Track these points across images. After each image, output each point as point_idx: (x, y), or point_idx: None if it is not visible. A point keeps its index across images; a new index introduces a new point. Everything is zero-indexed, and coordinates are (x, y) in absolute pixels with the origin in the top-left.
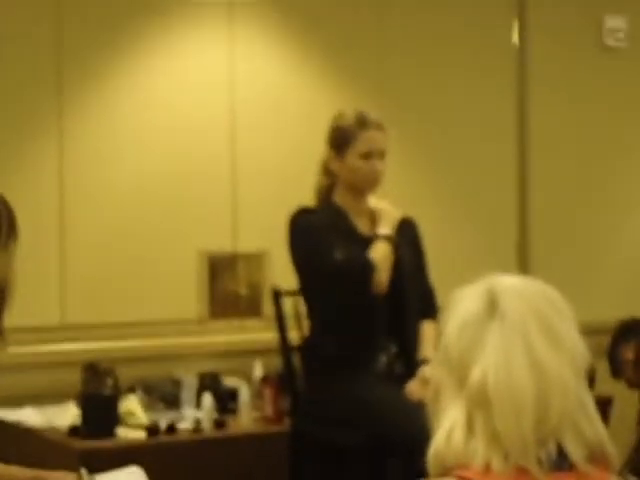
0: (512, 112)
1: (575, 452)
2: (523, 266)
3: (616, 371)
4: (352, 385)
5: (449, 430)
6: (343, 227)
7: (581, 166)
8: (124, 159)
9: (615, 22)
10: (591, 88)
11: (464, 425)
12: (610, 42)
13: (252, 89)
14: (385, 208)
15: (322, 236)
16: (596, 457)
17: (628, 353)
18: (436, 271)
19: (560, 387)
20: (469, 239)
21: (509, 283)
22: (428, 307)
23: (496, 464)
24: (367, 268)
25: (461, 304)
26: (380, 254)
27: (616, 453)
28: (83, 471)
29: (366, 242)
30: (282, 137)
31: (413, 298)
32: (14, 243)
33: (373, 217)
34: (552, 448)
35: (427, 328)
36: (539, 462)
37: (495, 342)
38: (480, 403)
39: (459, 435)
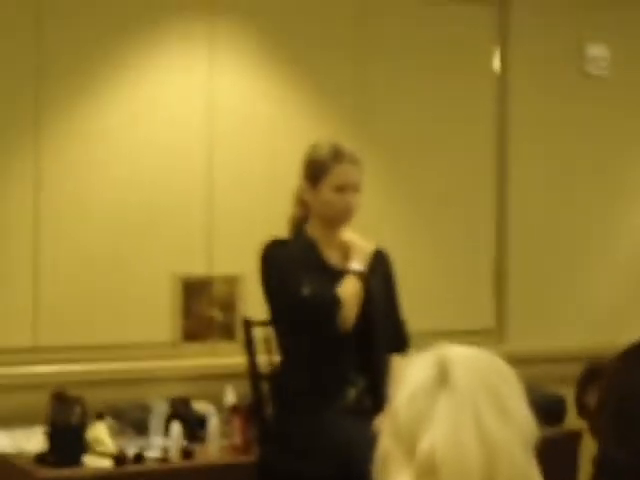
0: (492, 140)
1: None
2: (500, 294)
3: (581, 414)
4: (320, 418)
5: None
6: (313, 259)
7: (562, 193)
8: (99, 182)
9: (597, 50)
10: (573, 116)
11: None
12: (592, 70)
13: (231, 116)
14: (357, 242)
15: (291, 271)
16: None
17: (591, 398)
18: (410, 300)
19: (508, 461)
20: (445, 267)
21: (459, 353)
22: (399, 340)
23: None
24: (334, 304)
25: (411, 373)
26: (348, 290)
27: None
28: None
29: (336, 275)
30: (260, 163)
31: (383, 332)
32: None
33: (345, 249)
34: None
35: (397, 362)
36: None
37: (444, 414)
38: (428, 474)
39: None
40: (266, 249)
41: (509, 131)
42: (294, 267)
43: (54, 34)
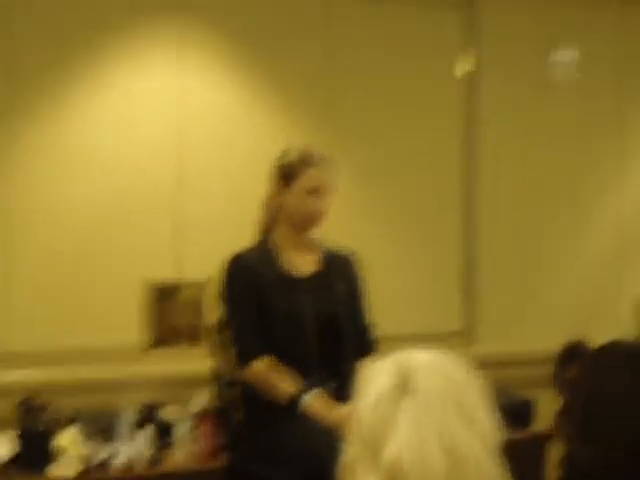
0: (461, 143)
1: None
2: (469, 297)
3: (561, 391)
4: (288, 422)
5: None
6: (273, 268)
7: (529, 196)
8: (71, 187)
9: (565, 54)
10: (540, 120)
11: None
12: (560, 74)
13: (199, 125)
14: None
15: (245, 319)
16: None
17: (571, 373)
18: (378, 304)
19: (472, 465)
20: (413, 270)
21: (421, 359)
22: (366, 343)
23: None
24: (244, 358)
25: (373, 381)
26: (315, 410)
27: None
28: None
29: (294, 283)
30: (229, 169)
31: (349, 335)
32: None
33: (311, 252)
34: None
35: (364, 366)
36: None
37: (408, 420)
38: (395, 479)
39: None
40: (228, 267)
41: (478, 133)
42: (248, 308)
43: (23, 33)
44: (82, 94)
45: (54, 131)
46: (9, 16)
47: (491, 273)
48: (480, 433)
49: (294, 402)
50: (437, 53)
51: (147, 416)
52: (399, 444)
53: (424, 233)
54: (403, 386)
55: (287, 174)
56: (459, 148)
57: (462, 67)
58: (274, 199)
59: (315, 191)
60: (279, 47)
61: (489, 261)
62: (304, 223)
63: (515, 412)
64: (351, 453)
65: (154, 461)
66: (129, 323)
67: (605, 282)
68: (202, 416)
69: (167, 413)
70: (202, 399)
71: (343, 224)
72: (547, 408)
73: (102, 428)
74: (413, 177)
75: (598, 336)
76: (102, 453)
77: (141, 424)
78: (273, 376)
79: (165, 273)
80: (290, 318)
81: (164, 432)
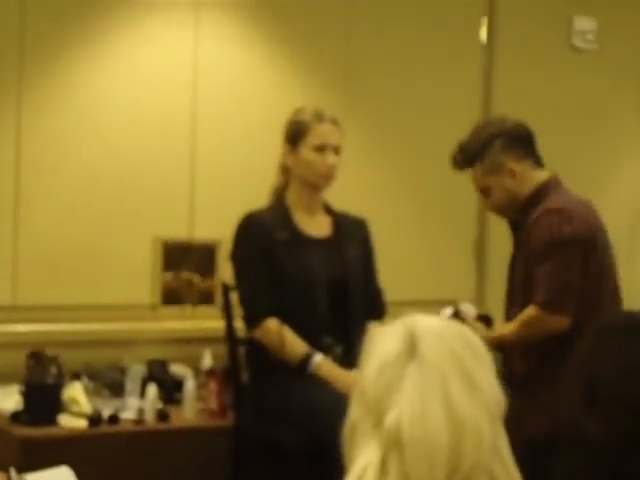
0: (477, 111)
1: None
2: (480, 264)
3: None
4: (296, 384)
5: (362, 469)
6: (286, 229)
7: (546, 166)
8: (81, 146)
9: (584, 24)
10: (558, 88)
11: (377, 466)
12: (579, 43)
13: (215, 83)
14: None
15: (257, 278)
16: None
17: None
18: (390, 270)
19: (475, 435)
20: (425, 237)
21: (428, 324)
22: (376, 308)
23: None
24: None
25: (380, 345)
26: (328, 372)
27: None
28: (12, 472)
29: (307, 243)
30: (244, 132)
31: (359, 299)
32: None
33: (324, 215)
34: None
35: (373, 330)
36: None
37: (412, 386)
38: (395, 446)
39: (371, 476)
40: (240, 226)
41: (494, 102)
42: (260, 271)
43: (37, 4)
44: (94, 52)
45: (66, 90)
46: None
47: (503, 241)
48: (484, 400)
49: (305, 363)
50: (457, 19)
51: (155, 372)
52: (402, 411)
53: (437, 200)
54: (409, 352)
55: (298, 132)
56: (475, 114)
57: (480, 34)
58: (286, 158)
59: (325, 147)
60: (299, 11)
61: (502, 229)
62: (316, 180)
63: None
64: (354, 416)
65: (162, 416)
66: (140, 280)
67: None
68: (210, 374)
69: (176, 370)
70: (210, 358)
71: (355, 189)
72: None
73: (111, 383)
74: (428, 143)
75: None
76: (111, 407)
77: (149, 380)
78: (284, 335)
79: (177, 232)
80: (300, 280)
81: (172, 389)
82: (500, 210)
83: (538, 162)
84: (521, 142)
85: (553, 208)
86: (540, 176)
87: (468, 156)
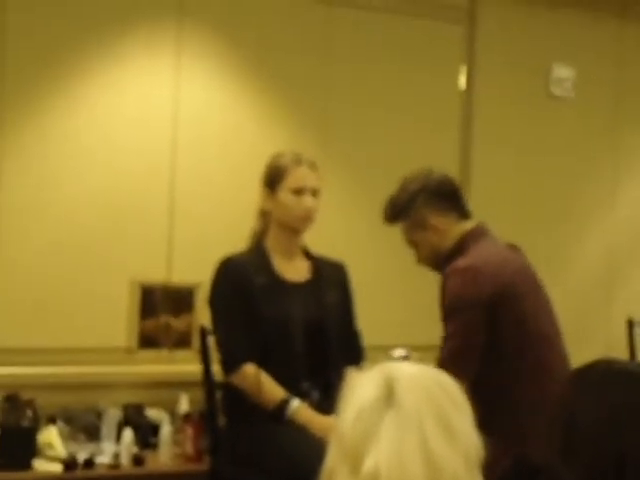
0: (456, 156)
1: None
2: None
3: None
4: (272, 430)
5: None
6: (264, 274)
7: (523, 212)
8: (61, 185)
9: (563, 72)
10: (536, 136)
11: None
12: (557, 91)
13: (194, 126)
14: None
15: (234, 323)
16: None
17: None
18: (369, 314)
19: None
20: (406, 282)
21: (406, 370)
22: (354, 351)
23: None
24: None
25: (357, 390)
26: (306, 419)
27: None
28: None
29: (286, 287)
30: (223, 175)
31: (337, 344)
32: None
33: (302, 260)
34: None
35: (352, 375)
36: None
37: (389, 433)
38: None
39: None
40: (218, 270)
41: (473, 147)
42: (237, 315)
43: (18, 31)
44: (74, 93)
45: (45, 130)
46: (3, 12)
47: None
48: (462, 448)
49: (282, 408)
50: (435, 65)
51: (131, 417)
52: (379, 457)
53: None
54: (387, 398)
55: (276, 175)
56: (453, 161)
57: (459, 81)
58: (265, 202)
59: (302, 190)
60: (278, 53)
61: None
62: (295, 223)
63: None
64: (331, 462)
65: (138, 461)
66: (116, 323)
67: (596, 299)
68: (187, 419)
69: (152, 414)
70: (187, 402)
71: (335, 233)
72: None
73: (87, 426)
74: None
75: (588, 354)
76: (87, 451)
77: (125, 424)
78: (262, 381)
79: (155, 274)
80: (278, 325)
81: (148, 433)
82: (427, 263)
83: (463, 214)
84: (444, 197)
85: (460, 268)
86: (463, 227)
87: (395, 211)
